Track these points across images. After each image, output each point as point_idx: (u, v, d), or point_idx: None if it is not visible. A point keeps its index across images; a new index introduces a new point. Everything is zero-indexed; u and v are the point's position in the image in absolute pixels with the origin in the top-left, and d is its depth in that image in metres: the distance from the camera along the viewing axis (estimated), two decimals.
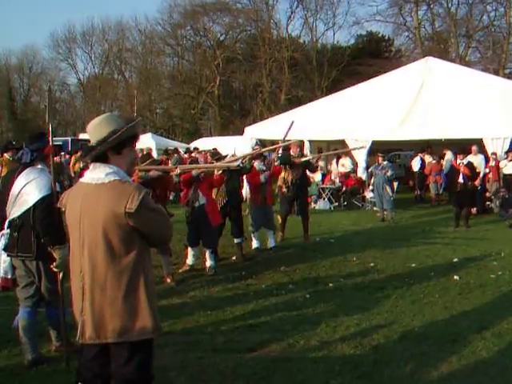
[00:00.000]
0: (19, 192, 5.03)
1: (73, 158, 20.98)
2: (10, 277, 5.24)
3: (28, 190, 5.00)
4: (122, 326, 3.39)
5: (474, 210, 14.14)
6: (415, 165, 19.67)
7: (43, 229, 4.93)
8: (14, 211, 5.07)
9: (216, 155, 9.99)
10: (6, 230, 5.14)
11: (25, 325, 5.13)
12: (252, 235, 10.56)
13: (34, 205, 4.96)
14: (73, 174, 20.23)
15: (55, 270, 4.89)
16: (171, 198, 14.79)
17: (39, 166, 5.18)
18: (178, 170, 8.06)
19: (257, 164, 10.38)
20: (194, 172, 8.46)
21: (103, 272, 3.36)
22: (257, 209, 10.41)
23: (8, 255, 5.15)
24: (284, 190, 11.47)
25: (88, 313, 3.40)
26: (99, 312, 3.39)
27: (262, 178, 10.23)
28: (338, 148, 19.36)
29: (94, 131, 3.46)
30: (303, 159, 11.74)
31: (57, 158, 20.09)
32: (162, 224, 3.54)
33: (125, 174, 3.52)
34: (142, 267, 3.44)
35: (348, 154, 18.88)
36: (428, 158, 19.41)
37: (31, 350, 5.13)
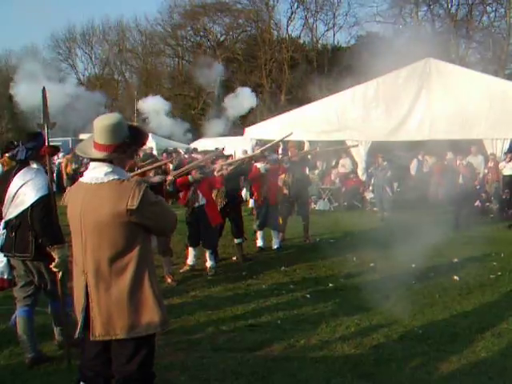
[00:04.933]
0: (16, 192, 5.02)
1: (64, 159, 20.90)
2: (6, 277, 5.24)
3: (25, 190, 4.99)
4: (130, 322, 3.42)
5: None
6: (413, 168, 19.63)
7: (42, 229, 4.93)
8: (11, 211, 5.06)
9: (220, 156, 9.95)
10: (2, 231, 5.14)
11: (24, 323, 5.14)
12: (257, 233, 10.68)
13: (31, 205, 4.96)
14: (65, 176, 20.18)
15: (54, 269, 4.90)
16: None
17: (35, 166, 5.17)
18: (170, 178, 7.83)
19: (261, 166, 10.36)
20: (190, 178, 8.44)
21: (107, 270, 3.39)
22: (260, 208, 10.50)
23: (5, 255, 5.15)
24: (285, 191, 11.51)
25: (96, 311, 3.43)
26: (107, 310, 3.42)
27: (263, 169, 10.25)
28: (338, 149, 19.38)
29: (107, 133, 3.43)
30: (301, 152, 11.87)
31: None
32: (164, 215, 3.58)
33: (124, 171, 3.55)
34: (146, 262, 3.48)
35: (348, 154, 18.90)
36: (429, 159, 19.38)
37: (31, 348, 5.15)
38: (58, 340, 5.58)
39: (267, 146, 10.60)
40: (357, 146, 16.49)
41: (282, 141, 10.28)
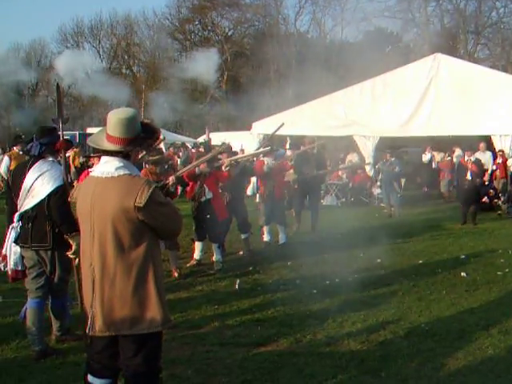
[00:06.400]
0: (32, 184, 5.12)
1: (72, 152, 20.93)
2: (20, 269, 5.31)
3: (41, 181, 5.10)
4: (131, 319, 3.42)
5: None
6: (425, 156, 19.66)
7: (60, 217, 5.04)
8: (27, 203, 5.15)
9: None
10: (17, 223, 5.21)
11: (34, 315, 5.18)
12: (264, 228, 10.69)
13: (48, 195, 5.06)
14: (73, 169, 20.21)
15: (71, 256, 4.98)
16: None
17: (50, 159, 5.28)
18: (172, 179, 7.54)
19: (268, 160, 10.36)
20: (197, 170, 8.45)
21: (113, 265, 3.40)
22: (266, 203, 10.51)
23: (21, 246, 5.21)
24: (296, 186, 11.57)
25: (98, 305, 3.44)
26: (109, 305, 3.42)
27: (265, 167, 10.26)
28: (347, 144, 19.39)
29: (122, 126, 3.44)
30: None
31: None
32: (172, 217, 3.57)
33: (135, 168, 3.56)
34: (152, 260, 3.47)
35: (355, 149, 18.90)
36: (437, 155, 19.34)
37: (39, 341, 5.20)
38: (55, 334, 5.62)
39: (266, 138, 10.58)
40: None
41: (275, 133, 9.98)
